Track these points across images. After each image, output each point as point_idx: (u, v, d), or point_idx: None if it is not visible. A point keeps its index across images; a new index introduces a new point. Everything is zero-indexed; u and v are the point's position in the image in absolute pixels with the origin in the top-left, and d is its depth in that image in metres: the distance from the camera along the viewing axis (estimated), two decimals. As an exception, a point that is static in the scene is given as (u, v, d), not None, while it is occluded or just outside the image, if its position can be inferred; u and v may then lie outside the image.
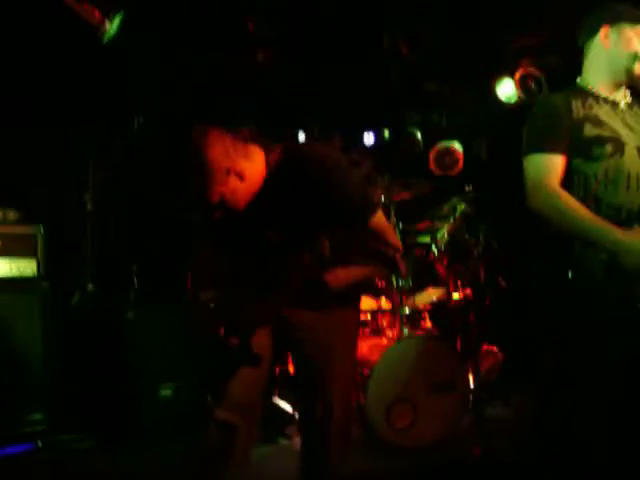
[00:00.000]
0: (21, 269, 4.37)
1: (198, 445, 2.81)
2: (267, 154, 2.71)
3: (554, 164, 2.76)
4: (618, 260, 2.59)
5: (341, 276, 2.65)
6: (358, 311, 3.00)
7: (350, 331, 2.90)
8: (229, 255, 2.89)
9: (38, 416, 4.33)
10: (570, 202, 2.69)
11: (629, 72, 2.87)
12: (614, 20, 2.89)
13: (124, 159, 5.23)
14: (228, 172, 2.56)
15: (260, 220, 2.68)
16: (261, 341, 2.76)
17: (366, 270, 2.76)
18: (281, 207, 2.65)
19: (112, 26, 4.46)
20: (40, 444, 4.33)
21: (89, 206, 4.94)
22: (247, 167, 2.62)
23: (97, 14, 4.42)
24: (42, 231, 4.45)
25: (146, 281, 4.89)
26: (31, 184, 5.01)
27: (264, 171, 2.68)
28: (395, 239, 2.74)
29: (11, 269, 4.35)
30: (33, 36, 4.73)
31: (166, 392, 4.44)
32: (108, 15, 4.44)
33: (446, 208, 5.16)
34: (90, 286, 4.84)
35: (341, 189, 2.59)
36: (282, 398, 4.50)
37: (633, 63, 2.85)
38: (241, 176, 2.59)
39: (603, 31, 2.89)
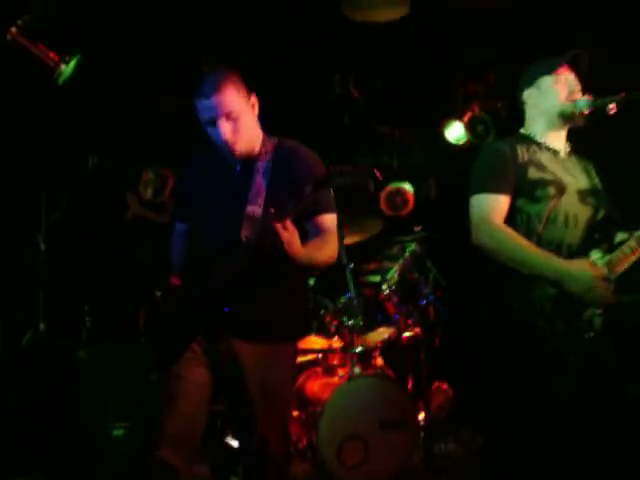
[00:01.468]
0: (-27, 309, 4.35)
1: None
2: (264, 138, 2.95)
3: (498, 203, 2.90)
4: (563, 288, 2.74)
5: (297, 242, 2.59)
6: (296, 346, 3.01)
7: (288, 366, 2.92)
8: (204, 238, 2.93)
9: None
10: (514, 236, 2.84)
11: (564, 116, 3.03)
12: (546, 72, 3.07)
13: (77, 199, 5.24)
14: (252, 103, 2.86)
15: (244, 194, 2.80)
16: (198, 378, 2.80)
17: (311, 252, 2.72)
18: (266, 184, 2.82)
19: (68, 68, 4.47)
20: (-11, 486, 4.26)
21: (42, 246, 4.93)
22: (256, 122, 2.90)
23: (52, 55, 4.43)
24: (-6, 271, 4.45)
25: (98, 320, 4.88)
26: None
27: (258, 147, 2.90)
28: (331, 248, 2.81)
29: (-37, 309, 4.33)
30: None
31: (118, 432, 4.42)
32: (64, 56, 4.45)
33: (396, 248, 5.27)
34: (42, 326, 4.81)
35: (313, 177, 2.70)
36: (234, 437, 4.50)
37: (567, 108, 3.02)
38: (255, 116, 2.89)
39: (538, 83, 3.08)
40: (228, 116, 2.76)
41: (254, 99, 2.88)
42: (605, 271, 2.80)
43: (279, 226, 2.47)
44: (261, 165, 2.86)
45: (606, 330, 2.84)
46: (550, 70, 3.06)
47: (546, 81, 3.06)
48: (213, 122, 2.78)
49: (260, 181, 2.83)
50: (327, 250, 2.80)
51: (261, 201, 2.78)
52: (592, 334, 2.80)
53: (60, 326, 4.90)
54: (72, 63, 4.46)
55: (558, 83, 3.04)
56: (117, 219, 5.76)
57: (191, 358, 2.80)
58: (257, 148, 2.91)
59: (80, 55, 4.50)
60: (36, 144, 5.14)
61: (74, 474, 4.39)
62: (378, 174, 5.64)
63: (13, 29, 4.10)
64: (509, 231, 2.85)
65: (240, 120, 2.79)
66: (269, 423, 2.79)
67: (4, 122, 4.97)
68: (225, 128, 2.77)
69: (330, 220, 2.84)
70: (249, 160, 2.88)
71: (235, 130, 2.79)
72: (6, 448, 4.36)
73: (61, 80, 4.42)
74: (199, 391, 2.79)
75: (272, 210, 2.51)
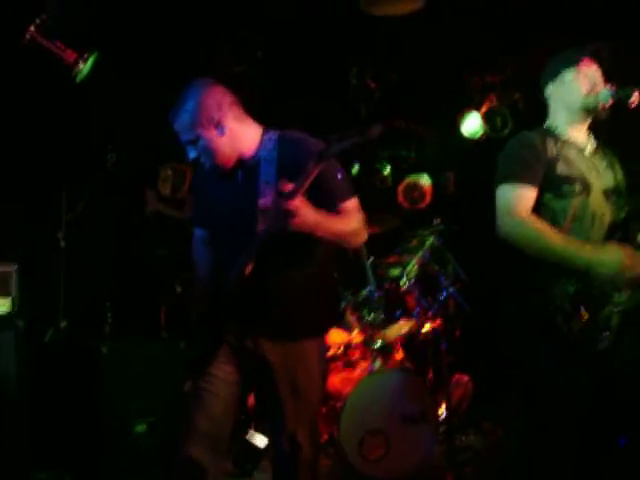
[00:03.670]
0: (-5, 307, 4.36)
1: None
2: (265, 133, 2.89)
3: (526, 195, 2.88)
4: (594, 274, 2.73)
5: (310, 211, 2.57)
6: (324, 342, 2.97)
7: (315, 365, 2.86)
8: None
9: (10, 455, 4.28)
10: (540, 227, 2.82)
11: (587, 110, 3.02)
12: (568, 66, 3.05)
13: (96, 196, 5.25)
14: (211, 121, 2.76)
15: (253, 191, 2.77)
16: (228, 377, 2.80)
17: (338, 222, 2.70)
18: (274, 175, 2.76)
19: (86, 65, 4.48)
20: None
21: (62, 244, 4.95)
22: (234, 128, 2.81)
23: (70, 53, 4.44)
24: (16, 269, 4.46)
25: (120, 316, 4.90)
26: (4, 223, 5.01)
27: (255, 145, 2.85)
28: (356, 221, 2.76)
29: (-15, 308, 4.34)
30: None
31: (141, 427, 4.44)
32: (81, 54, 4.46)
33: (415, 241, 5.26)
34: (63, 323, 4.84)
35: (325, 174, 2.67)
36: (258, 432, 4.51)
37: (590, 101, 3.00)
38: (222, 131, 2.78)
39: (560, 77, 3.06)
40: (187, 142, 2.83)
41: (221, 115, 2.79)
42: (632, 250, 2.78)
43: (290, 202, 2.47)
44: (265, 160, 2.82)
45: (622, 330, 2.82)
46: (572, 64, 3.03)
47: (568, 75, 3.03)
48: None
49: (266, 174, 2.79)
50: (352, 222, 2.74)
51: (270, 192, 2.73)
52: (608, 333, 2.79)
53: (82, 322, 4.93)
54: (90, 61, 4.47)
55: (580, 77, 3.01)
56: (136, 215, 5.79)
57: (220, 356, 2.80)
58: (249, 150, 2.86)
59: (97, 52, 4.51)
60: (55, 142, 5.16)
61: (97, 469, 4.41)
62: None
63: (32, 28, 4.11)
64: (536, 221, 2.83)
65: (202, 143, 2.80)
66: (298, 421, 2.77)
67: (23, 121, 5.00)
68: (190, 151, 2.85)
69: (351, 204, 2.78)
70: (249, 160, 2.86)
71: (201, 151, 2.82)
72: (30, 444, 4.38)
73: (79, 78, 4.43)
74: (229, 390, 2.79)
75: (281, 188, 2.51)
